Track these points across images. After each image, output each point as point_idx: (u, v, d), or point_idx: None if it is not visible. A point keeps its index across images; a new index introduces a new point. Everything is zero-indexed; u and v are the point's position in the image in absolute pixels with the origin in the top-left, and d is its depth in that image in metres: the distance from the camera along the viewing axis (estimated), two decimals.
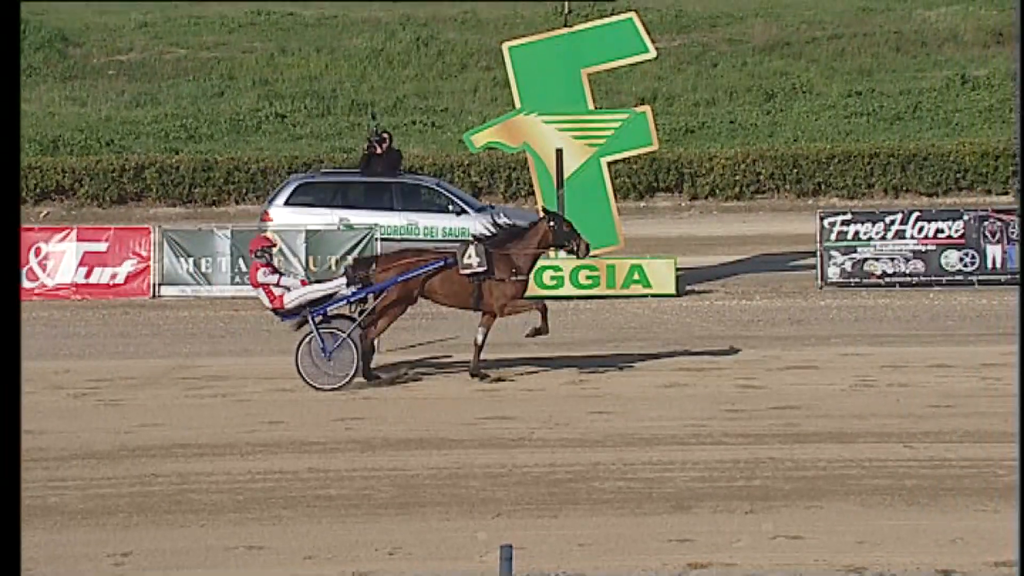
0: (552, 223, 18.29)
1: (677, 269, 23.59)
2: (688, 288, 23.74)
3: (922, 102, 38.90)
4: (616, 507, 12.73)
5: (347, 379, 17.30)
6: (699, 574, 11.10)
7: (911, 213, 24.13)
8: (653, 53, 24.14)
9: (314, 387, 17.25)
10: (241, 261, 23.82)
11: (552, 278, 23.40)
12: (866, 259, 23.75)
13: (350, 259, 20.90)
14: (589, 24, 25.38)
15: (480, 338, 17.70)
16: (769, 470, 13.73)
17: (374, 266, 18.00)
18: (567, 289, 23.34)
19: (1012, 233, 23.56)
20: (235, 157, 34.58)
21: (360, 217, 25.00)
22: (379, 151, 25.57)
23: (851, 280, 23.73)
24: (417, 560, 11.43)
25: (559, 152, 23.60)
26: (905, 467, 13.77)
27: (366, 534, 12.06)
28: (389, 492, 13.25)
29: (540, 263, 23.62)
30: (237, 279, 23.81)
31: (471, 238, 18.92)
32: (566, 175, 23.63)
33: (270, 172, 33.74)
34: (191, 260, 23.90)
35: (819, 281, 23.82)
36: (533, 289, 23.28)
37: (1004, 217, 23.73)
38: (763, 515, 12.40)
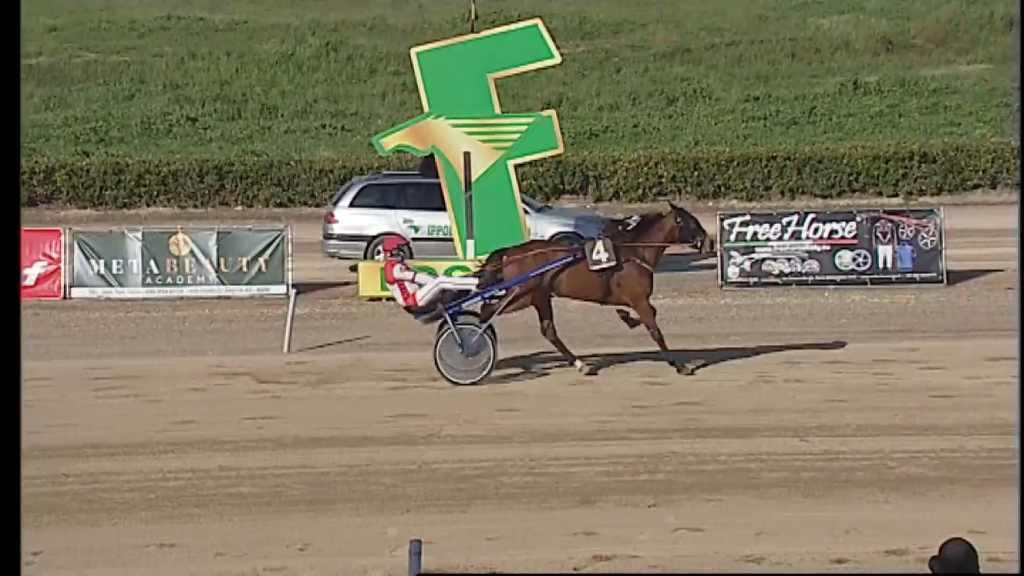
0: (679, 219, 18.42)
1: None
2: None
3: (816, 107, 39.50)
4: (523, 502, 12.92)
5: (485, 373, 17.57)
6: (604, 566, 11.30)
7: (807, 215, 24.59)
8: (558, 59, 24.42)
9: (453, 382, 17.47)
10: (152, 263, 23.86)
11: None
12: (764, 259, 24.16)
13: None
14: (495, 30, 25.62)
15: (655, 332, 17.95)
16: (671, 464, 13.98)
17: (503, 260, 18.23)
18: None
19: (902, 234, 24.09)
20: (146, 160, 34.48)
21: (422, 218, 25.18)
22: None
23: (750, 279, 24.14)
24: (327, 556, 11.55)
25: (467, 155, 23.81)
26: (801, 460, 14.05)
27: (277, 531, 12.16)
28: (300, 489, 13.35)
29: (449, 263, 23.87)
30: (148, 280, 23.84)
31: (599, 233, 19.01)
32: (474, 177, 23.84)
33: (181, 175, 33.68)
34: (102, 262, 23.88)
35: (719, 280, 24.22)
36: None
37: (894, 218, 24.27)
38: (666, 508, 12.65)
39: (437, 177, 25.57)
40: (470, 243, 23.88)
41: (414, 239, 25.43)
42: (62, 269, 23.85)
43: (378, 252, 24.89)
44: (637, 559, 11.42)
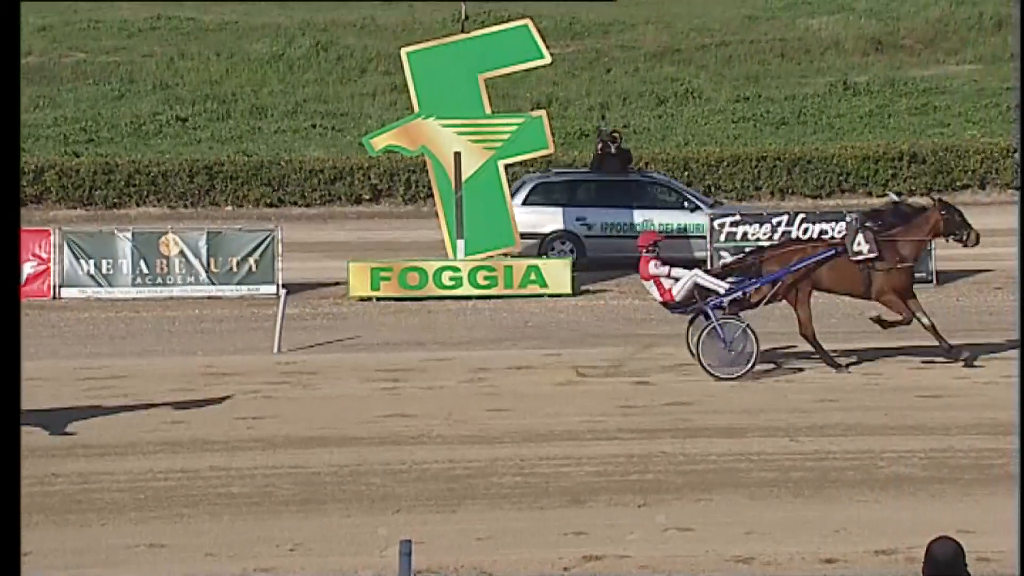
0: (944, 212, 18.23)
1: (573, 269, 23.91)
2: (583, 288, 24.05)
3: (806, 107, 39.54)
4: (514, 502, 12.96)
5: (748, 367, 17.56)
6: (594, 566, 11.34)
7: (796, 215, 24.63)
8: (548, 59, 24.48)
9: (717, 377, 17.46)
10: (142, 263, 23.84)
11: (451, 278, 23.64)
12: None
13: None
14: (485, 30, 25.69)
15: (925, 320, 17.87)
16: (662, 464, 14.03)
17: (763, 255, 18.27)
18: (465, 289, 23.58)
19: None
20: (136, 160, 34.42)
21: (595, 215, 25.20)
22: (613, 150, 25.88)
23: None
24: (318, 556, 11.58)
25: (457, 155, 23.85)
26: (791, 460, 14.10)
27: (267, 531, 12.18)
28: (290, 490, 13.38)
29: (439, 263, 23.89)
30: (138, 281, 23.83)
31: (856, 223, 18.74)
32: (464, 178, 23.88)
33: (171, 175, 33.63)
34: (92, 262, 23.87)
35: None
36: (431, 288, 23.60)
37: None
38: (656, 508, 12.70)
39: (609, 173, 25.64)
40: (460, 243, 23.92)
41: (587, 236, 25.41)
42: (52, 269, 23.83)
43: (552, 248, 24.95)
44: (627, 559, 11.46)
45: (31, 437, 15.22)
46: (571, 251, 25.29)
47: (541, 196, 25.88)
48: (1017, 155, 30.71)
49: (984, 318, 21.36)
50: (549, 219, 25.36)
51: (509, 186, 24.81)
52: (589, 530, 12.11)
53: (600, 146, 26.52)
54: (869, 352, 19.09)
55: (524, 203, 25.59)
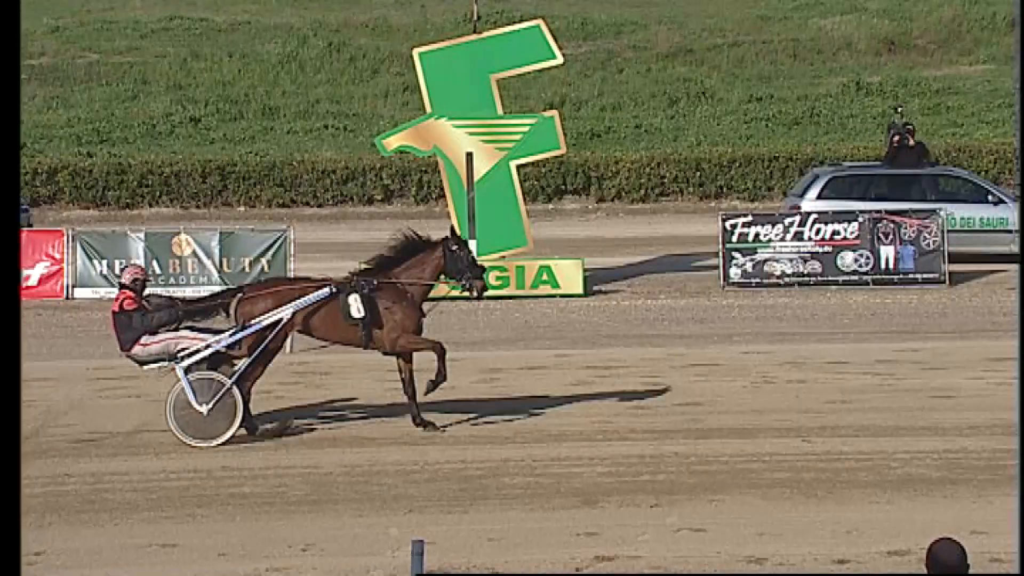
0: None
1: (584, 270, 23.92)
2: (595, 288, 24.07)
3: (818, 107, 39.53)
4: (525, 502, 12.94)
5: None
6: (606, 567, 11.32)
7: (809, 215, 24.61)
8: (560, 59, 24.48)
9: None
10: (155, 263, 23.88)
11: None
12: (766, 260, 24.18)
13: None
14: (497, 31, 25.71)
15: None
16: (673, 465, 14.01)
17: None
18: None
19: (904, 234, 24.11)
20: (148, 160, 34.53)
21: (891, 209, 25.00)
22: (910, 143, 25.68)
23: (752, 280, 24.16)
24: (330, 556, 11.57)
25: (469, 156, 23.87)
26: (803, 461, 14.08)
27: (279, 531, 12.18)
28: (302, 490, 13.39)
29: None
30: (151, 281, 23.86)
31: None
32: (476, 178, 23.90)
33: (183, 175, 33.72)
34: (104, 262, 23.92)
35: (721, 281, 24.24)
36: (442, 289, 23.56)
37: (896, 219, 24.28)
38: (668, 508, 12.67)
39: (904, 167, 25.39)
40: (472, 243, 23.92)
41: None
42: (65, 270, 23.89)
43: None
44: (639, 559, 11.45)
45: (44, 437, 15.27)
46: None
47: (835, 191, 25.68)
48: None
49: (997, 318, 21.33)
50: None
51: (803, 180, 24.06)
52: (601, 530, 12.11)
53: (895, 139, 26.22)
54: (876, 352, 19.08)
55: (819, 197, 25.41)
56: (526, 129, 24.21)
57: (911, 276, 23.94)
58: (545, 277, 23.67)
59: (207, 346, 15.09)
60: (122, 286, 15.51)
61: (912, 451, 14.36)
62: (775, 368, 18.27)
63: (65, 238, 24.10)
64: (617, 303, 23.35)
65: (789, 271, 24.15)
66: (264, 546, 11.83)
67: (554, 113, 25.15)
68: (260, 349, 15.13)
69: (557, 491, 13.24)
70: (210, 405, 14.81)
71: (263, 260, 24.02)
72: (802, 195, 26.08)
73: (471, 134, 23.90)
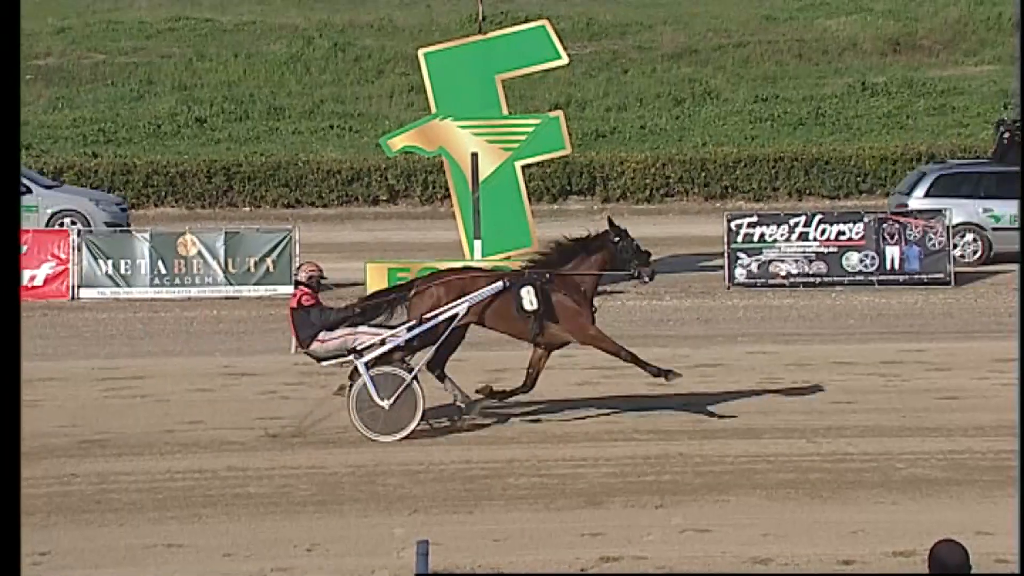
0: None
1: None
2: (600, 288, 24.00)
3: (824, 108, 39.51)
4: (530, 503, 12.95)
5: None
6: (611, 567, 11.33)
7: (814, 216, 24.59)
8: (565, 60, 24.48)
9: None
10: (160, 263, 23.91)
11: None
12: (771, 260, 24.18)
13: None
14: (503, 31, 25.71)
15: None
16: (678, 465, 14.01)
17: None
18: None
19: (909, 235, 24.10)
20: (154, 161, 34.57)
21: (1003, 207, 24.94)
22: (1019, 139, 25.52)
23: (757, 281, 24.16)
24: (335, 556, 11.58)
25: (474, 156, 23.87)
26: (808, 461, 14.08)
27: (285, 531, 12.19)
28: (307, 490, 13.39)
29: (457, 264, 23.86)
30: (156, 281, 23.91)
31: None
32: (481, 178, 23.90)
33: (189, 175, 33.76)
34: (110, 262, 23.95)
35: (726, 282, 24.24)
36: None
37: (902, 220, 24.27)
38: (673, 509, 12.68)
39: (1014, 163, 25.19)
40: (477, 243, 23.95)
41: (994, 229, 24.98)
42: (70, 270, 23.92)
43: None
44: (644, 560, 11.45)
45: (48, 437, 15.28)
46: (974, 242, 24.93)
47: (943, 188, 25.57)
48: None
49: (1003, 319, 21.31)
50: (953, 212, 24.74)
51: (909, 178, 23.71)
52: (606, 531, 12.11)
53: (1005, 136, 26.07)
54: (881, 353, 19.07)
55: (927, 195, 25.29)
56: (531, 129, 24.21)
57: (916, 277, 23.93)
58: None
59: (383, 341, 15.22)
60: (298, 283, 15.66)
61: (917, 452, 14.36)
62: (780, 369, 18.26)
63: (71, 238, 24.13)
64: (622, 303, 23.34)
65: (794, 271, 24.15)
66: (269, 546, 11.84)
67: (559, 113, 25.14)
68: (440, 342, 15.29)
69: (562, 491, 13.24)
70: (392, 399, 14.94)
71: (268, 260, 24.04)
72: (909, 193, 26.03)
73: (476, 134, 23.91)
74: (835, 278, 24.05)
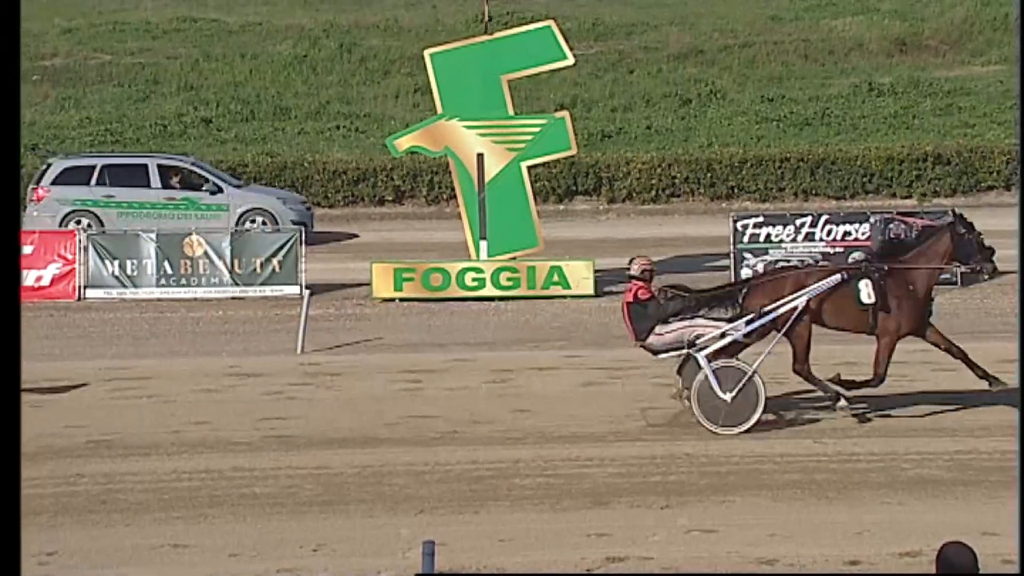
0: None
1: (595, 270, 23.91)
2: (606, 289, 24.05)
3: (830, 108, 39.46)
4: (536, 503, 12.96)
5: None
6: (617, 567, 11.35)
7: (820, 216, 24.58)
8: (571, 60, 24.48)
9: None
10: (166, 264, 23.94)
11: (474, 279, 23.67)
12: (777, 260, 24.17)
13: None
14: (509, 32, 25.72)
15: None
16: (684, 466, 14.02)
17: None
18: (488, 290, 23.61)
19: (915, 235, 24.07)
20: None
21: None
22: None
23: None
24: (340, 557, 11.61)
25: (480, 156, 23.88)
26: (814, 462, 14.08)
27: (290, 531, 12.22)
28: (313, 490, 13.41)
29: (462, 264, 23.90)
30: (162, 281, 23.93)
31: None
32: (487, 179, 23.91)
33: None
34: (116, 263, 23.97)
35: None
36: (454, 289, 23.63)
37: (908, 220, 24.25)
38: (678, 509, 12.69)
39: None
40: (483, 244, 23.96)
41: None
42: (77, 270, 23.94)
43: None
44: (650, 560, 11.46)
45: (54, 438, 15.31)
46: None
47: None
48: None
49: (1009, 320, 21.30)
50: None
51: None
52: (612, 531, 12.12)
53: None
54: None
55: None
56: (537, 130, 24.22)
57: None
58: (556, 278, 23.67)
59: (722, 334, 15.28)
60: (631, 277, 15.65)
61: (924, 452, 14.35)
62: (786, 368, 18.21)
63: (77, 239, 24.15)
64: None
65: None
66: (275, 546, 11.86)
67: (565, 114, 25.14)
68: (794, 336, 15.31)
69: (568, 492, 13.25)
70: (733, 393, 15.01)
71: (274, 261, 24.05)
72: None
73: (482, 135, 23.91)
74: None
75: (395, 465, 14.14)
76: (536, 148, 24.16)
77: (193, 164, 29.67)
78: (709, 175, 34.02)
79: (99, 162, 29.07)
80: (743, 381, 15.01)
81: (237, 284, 24.02)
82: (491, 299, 23.38)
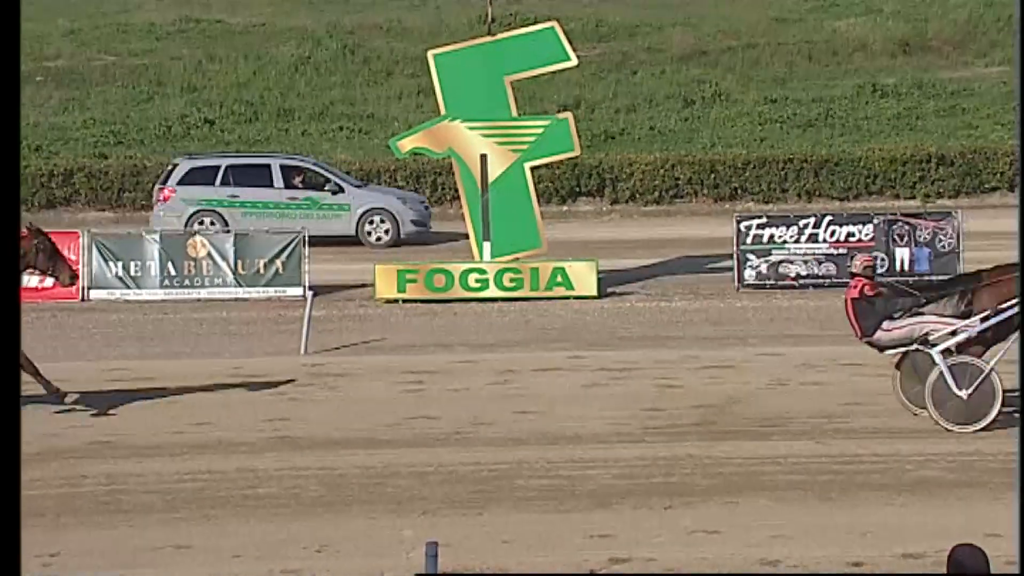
0: None
1: (598, 271, 23.91)
2: (609, 290, 24.07)
3: (833, 109, 39.48)
4: (539, 504, 12.96)
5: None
6: (620, 569, 11.34)
7: (823, 217, 24.57)
8: (574, 61, 24.48)
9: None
10: (170, 265, 23.95)
11: (477, 280, 23.67)
12: (781, 261, 24.17)
13: None
14: (512, 33, 25.72)
15: None
16: (688, 467, 14.01)
17: None
18: (491, 291, 23.62)
19: (919, 237, 24.07)
20: (164, 162, 34.59)
21: None
22: None
23: (766, 282, 24.15)
24: (344, 558, 11.60)
25: (483, 157, 23.88)
26: (818, 463, 14.08)
27: (294, 532, 12.21)
28: (317, 491, 13.41)
29: (465, 265, 23.91)
30: (166, 282, 23.95)
31: None
32: (490, 180, 23.91)
33: None
34: (120, 264, 23.99)
35: (736, 283, 24.22)
36: (457, 290, 23.65)
37: (911, 221, 24.25)
38: (682, 511, 12.68)
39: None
40: (487, 245, 23.97)
41: None
42: (80, 271, 23.92)
43: None
44: (653, 562, 11.46)
45: (58, 438, 15.32)
46: None
47: None
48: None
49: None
50: None
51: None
52: (615, 532, 12.12)
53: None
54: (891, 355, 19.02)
55: None
56: (540, 131, 24.22)
57: (927, 278, 23.88)
58: (559, 279, 23.67)
59: (955, 331, 15.16)
60: (854, 274, 15.60)
61: (927, 453, 14.35)
62: (789, 370, 18.25)
63: (81, 240, 24.16)
64: (631, 305, 23.35)
65: (804, 273, 24.13)
66: (278, 547, 11.86)
67: (568, 115, 25.14)
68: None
69: (571, 493, 13.25)
70: (970, 390, 14.91)
71: (278, 262, 24.06)
72: None
73: (485, 136, 23.92)
74: (844, 280, 23.95)
75: (398, 466, 14.14)
76: (539, 149, 24.16)
77: (315, 164, 30.08)
78: (712, 176, 34.05)
79: (224, 162, 29.52)
80: (980, 378, 14.88)
81: (241, 285, 24.03)
82: (494, 300, 23.39)
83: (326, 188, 29.17)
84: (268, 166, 29.07)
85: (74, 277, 17.06)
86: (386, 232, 29.34)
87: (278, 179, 28.99)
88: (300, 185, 29.17)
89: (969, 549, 6.89)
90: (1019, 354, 7.79)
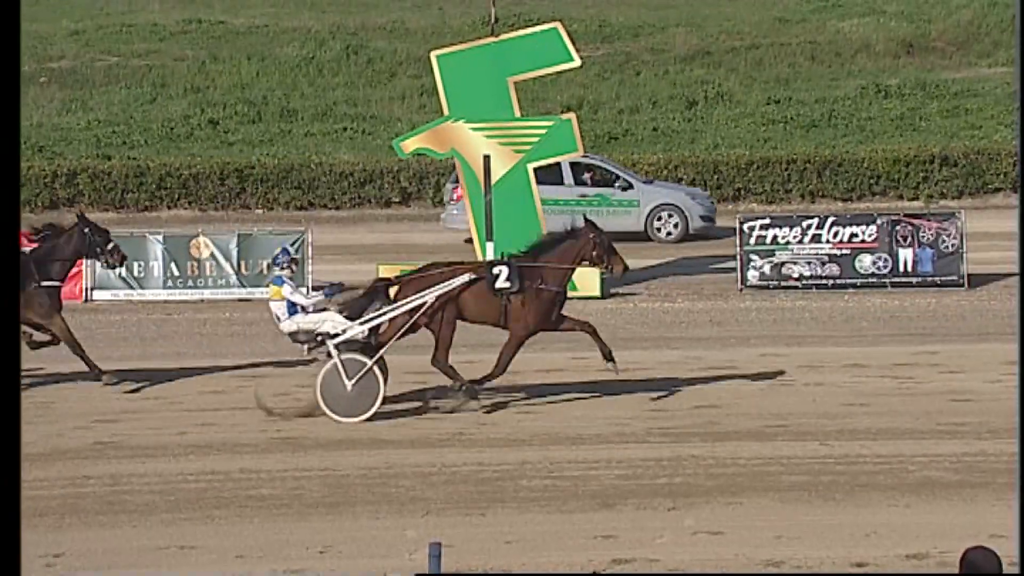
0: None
1: (602, 272, 23.88)
2: (612, 291, 24.05)
3: (836, 110, 39.44)
4: (543, 505, 12.98)
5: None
6: (623, 569, 11.36)
7: (827, 218, 24.55)
8: (577, 62, 24.46)
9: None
10: (173, 265, 23.95)
11: None
12: (784, 262, 24.15)
13: None
14: (515, 33, 25.69)
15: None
16: (691, 468, 14.03)
17: None
18: None
19: (923, 237, 24.05)
20: (167, 163, 34.59)
21: None
22: None
23: (770, 283, 24.13)
24: (347, 558, 11.64)
25: (487, 158, 23.87)
26: (821, 464, 14.09)
27: (297, 533, 12.25)
28: (320, 492, 13.43)
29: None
30: (169, 283, 23.95)
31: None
32: (493, 180, 23.90)
33: (202, 178, 33.78)
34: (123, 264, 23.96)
35: (739, 284, 24.21)
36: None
37: (915, 222, 24.23)
38: (685, 511, 12.71)
39: None
40: (490, 245, 23.95)
41: None
42: (84, 272, 23.94)
43: None
44: (656, 562, 11.48)
45: (62, 439, 15.33)
46: None
47: None
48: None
49: (1016, 321, 21.23)
50: None
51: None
52: (618, 533, 12.13)
53: None
54: (894, 355, 19.05)
55: None
56: (543, 131, 24.20)
57: (929, 279, 23.89)
58: None
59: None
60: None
61: (930, 454, 14.35)
62: (793, 371, 18.24)
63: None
64: (634, 305, 23.34)
65: (807, 274, 24.11)
66: (281, 548, 11.88)
67: (571, 115, 25.11)
68: None
69: (574, 494, 13.26)
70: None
71: None
72: None
73: (488, 136, 23.91)
74: (848, 280, 24.01)
75: (401, 467, 14.15)
76: (542, 150, 24.14)
77: (603, 161, 30.13)
78: (716, 177, 34.00)
79: None
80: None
81: (244, 286, 24.03)
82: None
83: (616, 185, 29.29)
84: (558, 164, 28.75)
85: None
86: (675, 227, 29.35)
87: (568, 177, 29.03)
88: (589, 182, 29.29)
89: (983, 552, 6.89)
90: (1019, 355, 7.74)
